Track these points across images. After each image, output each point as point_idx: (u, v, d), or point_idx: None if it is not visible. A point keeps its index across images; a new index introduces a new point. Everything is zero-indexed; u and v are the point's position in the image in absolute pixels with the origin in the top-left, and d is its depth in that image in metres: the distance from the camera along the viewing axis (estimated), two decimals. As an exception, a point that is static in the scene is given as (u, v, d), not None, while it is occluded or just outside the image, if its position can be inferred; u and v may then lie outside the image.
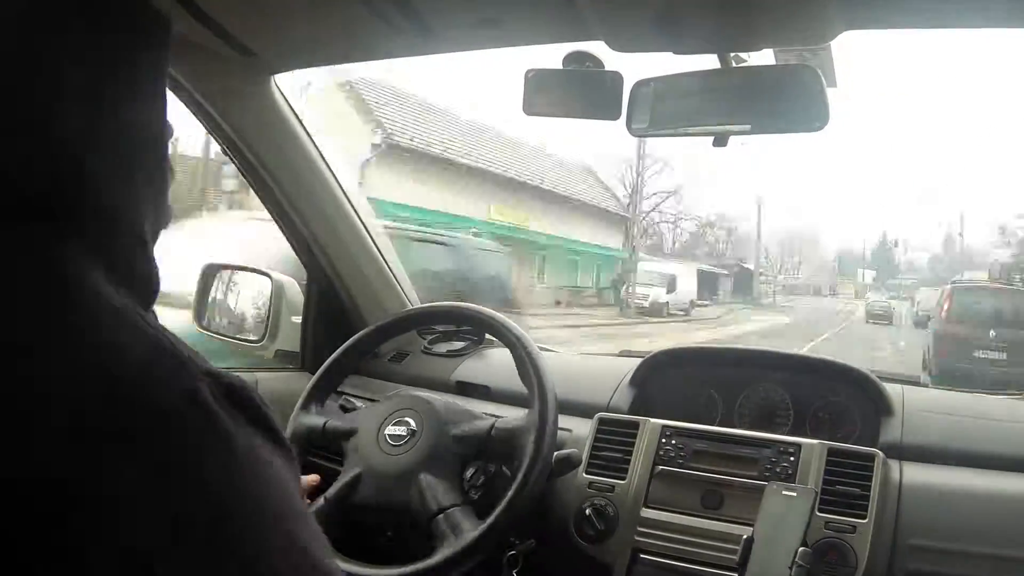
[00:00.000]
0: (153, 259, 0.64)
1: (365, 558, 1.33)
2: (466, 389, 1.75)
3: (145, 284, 0.63)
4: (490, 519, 1.29)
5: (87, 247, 0.58)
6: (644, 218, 27.85)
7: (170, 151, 0.73)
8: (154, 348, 0.54)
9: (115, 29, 0.62)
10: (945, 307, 12.22)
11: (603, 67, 1.26)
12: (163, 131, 0.69)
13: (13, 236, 0.55)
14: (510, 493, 1.30)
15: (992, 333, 11.59)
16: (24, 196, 0.57)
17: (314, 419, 1.50)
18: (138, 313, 0.57)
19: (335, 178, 1.75)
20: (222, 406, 0.53)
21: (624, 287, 23.12)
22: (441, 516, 1.31)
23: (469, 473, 1.38)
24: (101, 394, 0.50)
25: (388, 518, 1.41)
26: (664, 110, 1.23)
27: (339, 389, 1.60)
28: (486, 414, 1.45)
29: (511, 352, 1.45)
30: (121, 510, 0.48)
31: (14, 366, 0.50)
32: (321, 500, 1.38)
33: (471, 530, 1.29)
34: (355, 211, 1.81)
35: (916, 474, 1.35)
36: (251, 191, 1.73)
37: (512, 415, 1.41)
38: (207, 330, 1.90)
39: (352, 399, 1.57)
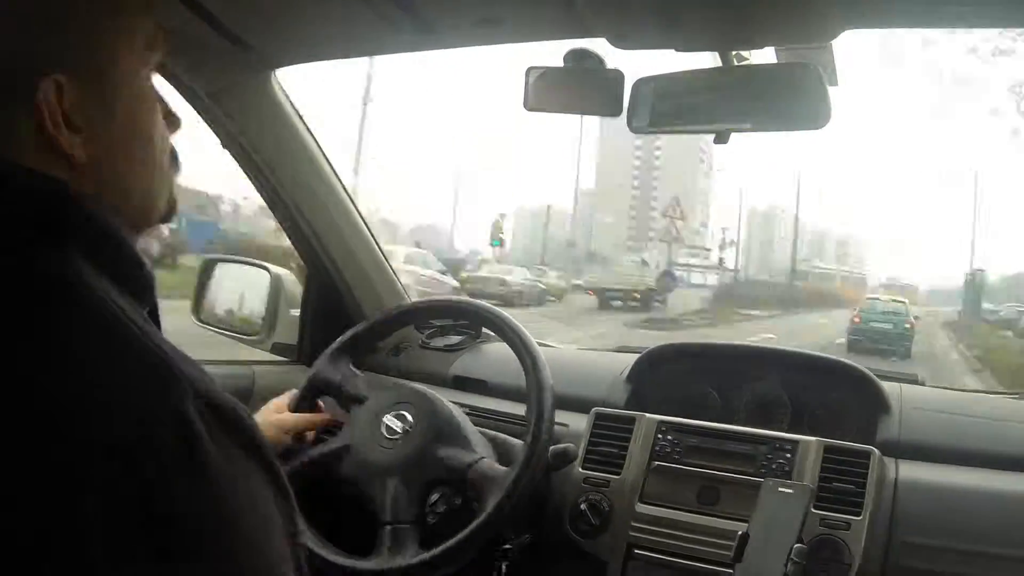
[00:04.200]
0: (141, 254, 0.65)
1: (314, 525, 1.34)
2: (464, 384, 1.75)
3: (140, 279, 0.63)
4: (425, 555, 1.28)
5: (81, 245, 0.58)
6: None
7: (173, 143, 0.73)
8: (147, 362, 0.54)
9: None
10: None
11: (604, 64, 1.26)
12: (156, 125, 0.69)
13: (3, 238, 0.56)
14: (456, 538, 1.28)
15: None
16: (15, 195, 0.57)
17: (334, 373, 1.49)
18: (136, 319, 0.57)
19: (334, 172, 1.75)
20: (209, 429, 0.53)
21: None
22: (389, 528, 1.32)
23: (434, 497, 1.36)
24: (88, 407, 0.50)
25: (351, 501, 1.40)
26: (665, 108, 1.23)
27: None
28: (475, 449, 1.41)
29: (509, 346, 1.45)
30: (86, 526, 0.48)
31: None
32: (303, 457, 1.40)
33: (406, 557, 1.29)
34: (353, 205, 1.81)
35: (911, 472, 1.36)
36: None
37: (496, 464, 1.37)
38: (205, 323, 1.90)
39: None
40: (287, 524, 0.58)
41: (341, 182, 1.77)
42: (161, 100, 0.71)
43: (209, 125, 1.56)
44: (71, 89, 0.60)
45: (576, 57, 1.26)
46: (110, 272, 0.59)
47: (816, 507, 1.29)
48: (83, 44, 0.62)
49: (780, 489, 1.30)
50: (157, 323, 0.64)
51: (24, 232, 0.56)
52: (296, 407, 1.46)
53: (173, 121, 0.73)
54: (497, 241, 29.03)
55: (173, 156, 0.72)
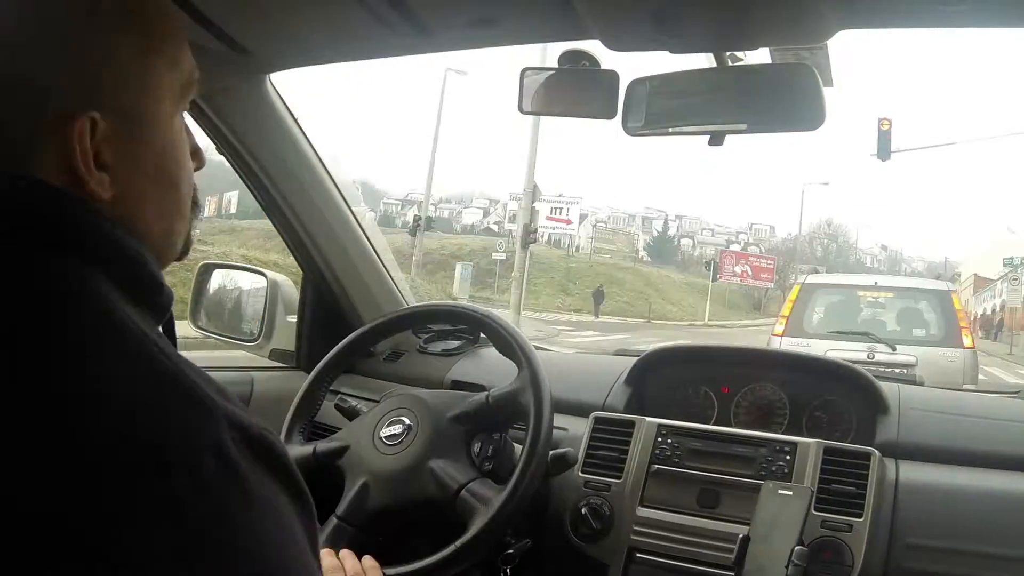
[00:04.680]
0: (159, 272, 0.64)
1: (400, 560, 1.29)
2: (461, 388, 1.75)
3: (159, 302, 0.62)
4: (513, 478, 1.29)
5: (98, 265, 0.57)
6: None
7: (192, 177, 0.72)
8: (176, 388, 0.53)
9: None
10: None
11: (599, 66, 1.26)
12: (184, 169, 0.68)
13: (19, 252, 0.55)
14: (525, 449, 1.30)
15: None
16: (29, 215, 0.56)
17: (301, 449, 1.44)
18: (160, 343, 0.56)
19: (330, 177, 1.75)
20: (244, 458, 0.52)
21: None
22: (464, 492, 1.30)
23: (476, 448, 1.38)
24: (111, 427, 0.49)
25: (410, 515, 1.37)
26: (660, 109, 1.23)
27: (334, 388, 1.60)
28: (478, 392, 1.43)
29: (506, 350, 1.45)
30: (124, 552, 0.47)
31: (15, 385, 0.49)
32: (332, 520, 1.33)
33: (497, 495, 1.28)
34: (350, 210, 1.81)
35: (912, 473, 1.35)
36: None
37: (504, 382, 1.40)
38: (203, 329, 1.90)
39: (348, 398, 1.56)
40: (314, 553, 0.57)
41: (337, 186, 1.76)
42: (189, 135, 0.70)
43: (203, 129, 1.55)
44: (104, 128, 0.59)
45: (571, 58, 1.26)
46: (130, 292, 0.59)
47: (816, 509, 1.28)
48: (121, 85, 0.61)
49: (780, 491, 1.29)
50: (172, 337, 0.63)
51: (44, 248, 0.55)
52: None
53: (198, 158, 0.72)
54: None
55: (194, 200, 0.71)
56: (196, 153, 0.71)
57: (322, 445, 1.43)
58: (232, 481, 0.51)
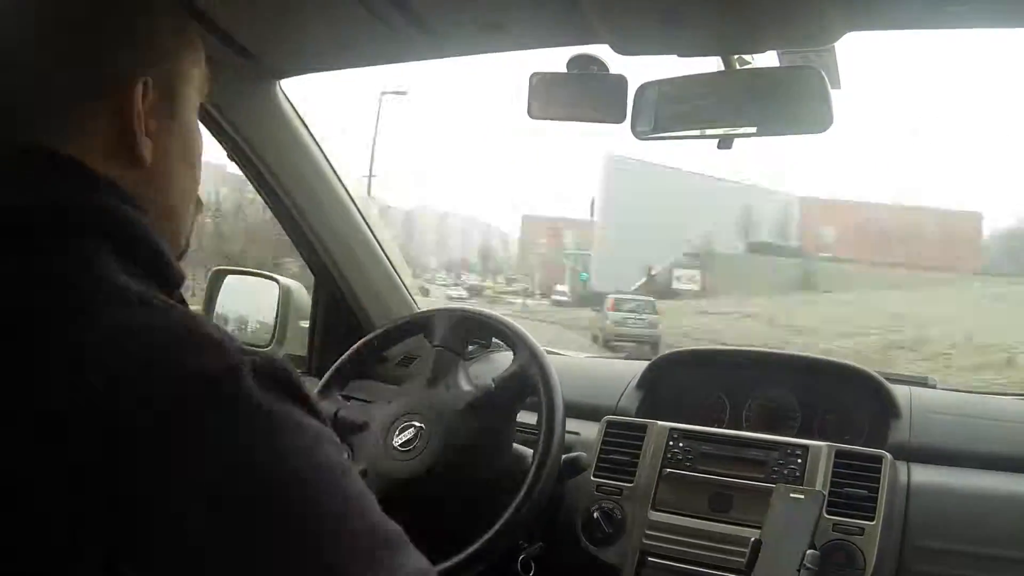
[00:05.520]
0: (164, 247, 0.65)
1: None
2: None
3: (165, 268, 0.64)
4: (530, 473, 1.30)
5: (102, 239, 0.59)
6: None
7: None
8: (188, 326, 0.55)
9: None
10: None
11: (607, 70, 1.26)
12: (200, 154, 0.74)
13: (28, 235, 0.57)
14: (543, 418, 1.33)
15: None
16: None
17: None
18: (161, 296, 0.58)
19: (341, 183, 1.75)
20: (261, 382, 0.54)
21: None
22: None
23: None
24: (130, 370, 0.51)
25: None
26: (668, 113, 1.23)
27: (345, 393, 1.60)
28: (475, 385, 1.43)
29: (518, 355, 1.45)
30: (160, 483, 0.49)
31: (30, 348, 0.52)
32: None
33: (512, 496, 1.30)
34: (361, 215, 1.81)
35: (924, 476, 1.35)
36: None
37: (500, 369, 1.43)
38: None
39: (359, 403, 1.56)
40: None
41: (348, 191, 1.77)
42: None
43: (214, 135, 1.56)
44: (152, 94, 0.64)
45: (579, 63, 1.26)
46: (143, 269, 0.61)
47: (828, 512, 1.28)
48: (167, 55, 0.67)
49: (792, 495, 1.29)
50: None
51: (49, 222, 0.58)
52: None
53: None
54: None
55: (198, 199, 0.76)
56: None
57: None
58: (253, 401, 0.53)
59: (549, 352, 1.49)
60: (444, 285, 41.15)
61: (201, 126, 0.75)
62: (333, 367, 1.56)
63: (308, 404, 0.57)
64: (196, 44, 0.71)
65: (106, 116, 0.62)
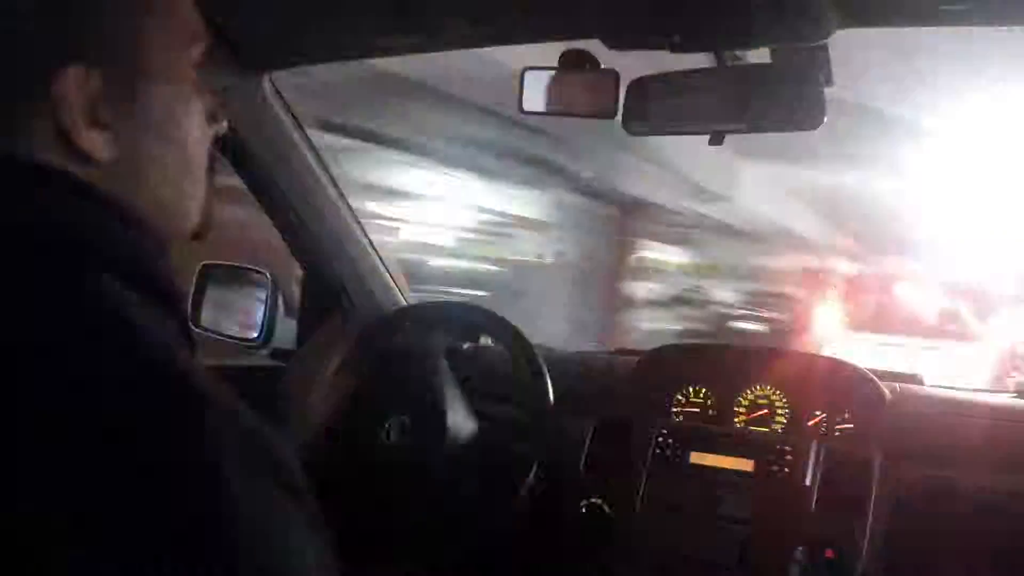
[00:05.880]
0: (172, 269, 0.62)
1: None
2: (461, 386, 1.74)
3: (170, 292, 0.60)
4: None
5: (111, 261, 0.56)
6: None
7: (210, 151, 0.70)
8: (169, 377, 0.52)
9: None
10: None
11: (599, 66, 1.26)
12: (192, 126, 0.67)
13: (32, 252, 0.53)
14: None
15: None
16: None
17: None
18: (169, 341, 0.55)
19: (329, 175, 1.74)
20: (240, 457, 0.50)
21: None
22: None
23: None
24: (116, 424, 0.48)
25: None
26: (660, 109, 1.23)
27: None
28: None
29: (507, 349, 1.45)
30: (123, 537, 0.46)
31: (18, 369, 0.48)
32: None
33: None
34: (350, 209, 1.80)
35: (912, 472, 1.35)
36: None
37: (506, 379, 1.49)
38: (204, 329, 1.89)
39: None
40: (322, 554, 0.54)
41: (336, 185, 1.76)
42: (209, 96, 0.68)
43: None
44: (96, 82, 0.57)
45: (571, 58, 1.25)
46: (139, 289, 0.56)
47: (817, 509, 1.28)
48: (108, 33, 0.59)
49: (781, 491, 1.29)
50: (189, 337, 0.61)
51: (41, 241, 0.54)
52: None
53: (216, 120, 0.70)
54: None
55: (211, 163, 0.69)
56: (214, 115, 0.70)
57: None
58: (218, 482, 0.49)
59: (538, 347, 1.48)
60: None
61: None
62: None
63: (291, 484, 0.53)
64: (161, 10, 0.64)
65: (44, 116, 0.57)
